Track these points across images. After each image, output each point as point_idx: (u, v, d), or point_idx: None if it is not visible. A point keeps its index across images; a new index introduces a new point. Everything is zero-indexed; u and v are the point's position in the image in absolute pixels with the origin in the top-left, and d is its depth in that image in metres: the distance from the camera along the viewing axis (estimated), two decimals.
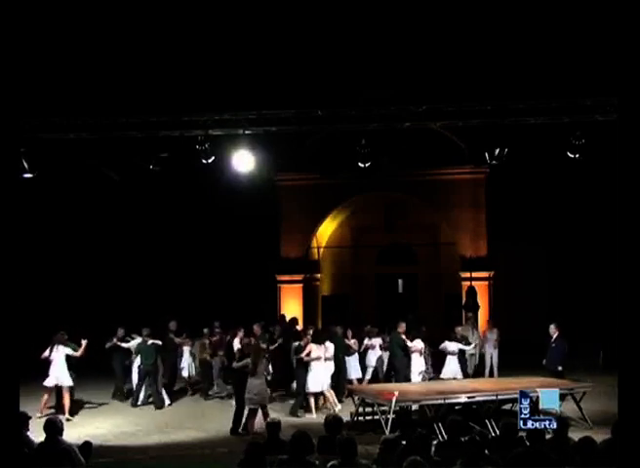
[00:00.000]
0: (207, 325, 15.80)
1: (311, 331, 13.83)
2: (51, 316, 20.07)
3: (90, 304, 20.57)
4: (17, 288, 5.67)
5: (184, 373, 15.64)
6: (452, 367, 13.87)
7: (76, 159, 14.03)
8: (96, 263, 21.30)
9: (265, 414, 11.40)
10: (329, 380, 13.22)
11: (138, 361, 14.25)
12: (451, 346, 13.94)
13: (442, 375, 13.92)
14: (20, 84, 6.29)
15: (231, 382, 13.10)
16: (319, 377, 12.98)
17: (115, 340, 14.60)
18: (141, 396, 14.19)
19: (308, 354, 13.07)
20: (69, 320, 20.17)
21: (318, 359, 13.02)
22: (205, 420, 12.96)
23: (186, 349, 15.53)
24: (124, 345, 14.56)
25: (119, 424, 12.62)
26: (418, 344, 13.90)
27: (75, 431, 11.13)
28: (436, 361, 14.40)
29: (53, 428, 7.11)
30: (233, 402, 12.36)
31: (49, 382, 12.85)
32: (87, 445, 7.45)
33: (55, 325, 14.05)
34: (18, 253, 5.80)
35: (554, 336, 13.71)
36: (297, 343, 13.98)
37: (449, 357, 13.94)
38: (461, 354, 14.21)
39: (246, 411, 11.66)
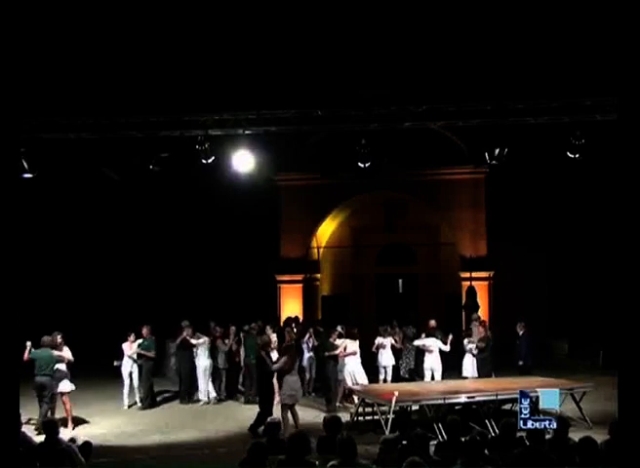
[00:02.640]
0: (207, 324, 15.82)
1: (336, 329, 14.26)
2: (50, 317, 20.10)
3: (90, 305, 20.58)
4: (17, 288, 5.67)
5: None
6: (427, 364, 14.30)
7: (76, 159, 14.03)
8: (96, 263, 21.29)
9: (294, 413, 11.39)
10: (364, 375, 13.74)
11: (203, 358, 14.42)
12: (427, 342, 14.28)
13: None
14: (20, 84, 6.28)
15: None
16: (356, 372, 13.53)
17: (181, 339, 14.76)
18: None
19: (345, 349, 13.58)
20: (68, 321, 20.23)
21: (354, 354, 13.61)
22: (205, 420, 12.97)
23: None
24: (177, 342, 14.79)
25: (119, 424, 12.62)
26: (426, 342, 14.34)
27: (75, 431, 11.15)
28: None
29: (53, 428, 7.12)
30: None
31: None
32: (87, 445, 7.47)
33: (53, 326, 13.95)
34: (18, 254, 5.79)
35: (520, 334, 14.37)
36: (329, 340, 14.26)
37: (426, 354, 14.37)
38: (441, 351, 14.41)
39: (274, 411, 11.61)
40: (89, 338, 18.50)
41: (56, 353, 11.96)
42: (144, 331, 14.27)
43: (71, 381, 12.27)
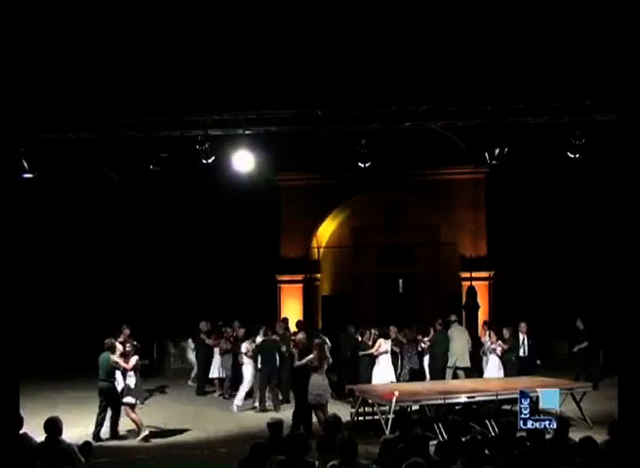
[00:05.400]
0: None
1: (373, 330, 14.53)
2: (50, 317, 20.11)
3: (89, 304, 20.58)
4: (17, 289, 5.67)
5: (215, 374, 15.50)
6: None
7: (76, 159, 14.03)
8: (95, 263, 21.29)
9: (325, 413, 11.02)
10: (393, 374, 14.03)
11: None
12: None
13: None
14: (20, 84, 6.28)
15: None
16: (386, 370, 13.78)
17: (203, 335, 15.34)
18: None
19: (378, 349, 13.86)
20: (68, 320, 20.24)
21: (386, 353, 13.84)
22: (205, 420, 12.97)
23: (216, 350, 15.46)
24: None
25: (119, 424, 12.58)
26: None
27: (75, 431, 11.13)
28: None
29: (53, 428, 7.11)
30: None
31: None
32: (87, 445, 7.45)
33: (53, 327, 13.95)
34: (18, 254, 5.79)
35: (525, 334, 14.49)
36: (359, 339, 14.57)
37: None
38: (394, 356, 14.45)
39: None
40: (88, 338, 18.50)
41: (112, 358, 11.60)
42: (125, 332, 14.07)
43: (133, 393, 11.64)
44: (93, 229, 20.91)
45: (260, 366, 13.83)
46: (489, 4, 15.70)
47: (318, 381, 11.25)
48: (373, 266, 23.06)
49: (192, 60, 16.68)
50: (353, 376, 14.45)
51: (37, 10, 13.05)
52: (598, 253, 18.22)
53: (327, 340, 15.26)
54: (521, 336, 14.55)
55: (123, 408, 11.66)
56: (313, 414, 11.31)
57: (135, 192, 18.69)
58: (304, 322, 17.74)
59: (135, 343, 12.06)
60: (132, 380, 11.62)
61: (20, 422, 7.08)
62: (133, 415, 11.62)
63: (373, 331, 14.44)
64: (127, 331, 14.00)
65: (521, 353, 14.46)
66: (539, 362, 14.68)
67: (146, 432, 11.49)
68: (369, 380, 13.78)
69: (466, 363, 14.84)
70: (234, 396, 14.54)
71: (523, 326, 14.60)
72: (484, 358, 14.97)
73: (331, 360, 12.37)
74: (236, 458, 6.53)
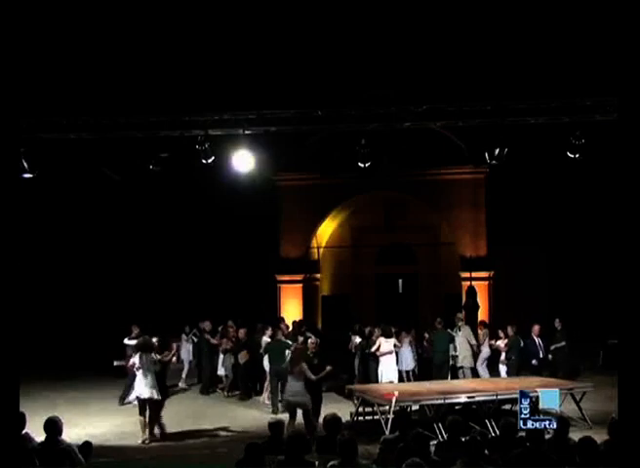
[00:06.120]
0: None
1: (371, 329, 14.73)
2: (50, 317, 20.11)
3: (89, 305, 20.59)
4: (16, 289, 5.66)
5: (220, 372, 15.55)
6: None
7: (76, 159, 14.03)
8: (96, 264, 21.30)
9: (309, 418, 10.81)
10: (397, 373, 14.11)
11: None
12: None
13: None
14: (19, 83, 6.28)
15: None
16: (390, 370, 13.75)
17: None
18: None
19: (378, 348, 13.84)
20: (68, 320, 20.23)
21: (390, 353, 13.79)
22: (205, 420, 12.96)
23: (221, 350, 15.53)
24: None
25: (119, 424, 12.61)
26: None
27: (75, 431, 11.13)
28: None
29: (53, 428, 7.10)
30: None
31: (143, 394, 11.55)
32: (87, 445, 7.44)
33: (52, 327, 13.91)
34: (18, 254, 5.79)
35: (511, 334, 14.49)
36: (359, 340, 14.73)
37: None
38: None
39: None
40: (88, 338, 18.52)
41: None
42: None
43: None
44: (93, 229, 20.93)
45: (268, 367, 13.85)
46: (488, 5, 15.71)
47: (289, 386, 11.01)
48: (373, 266, 23.08)
49: (192, 60, 16.69)
50: (362, 376, 14.63)
51: (37, 9, 13.05)
52: (598, 252, 18.23)
53: (313, 337, 15.28)
54: (536, 339, 14.57)
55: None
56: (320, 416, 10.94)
57: (135, 192, 18.69)
58: (301, 322, 17.80)
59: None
60: (136, 379, 11.64)
61: (22, 422, 7.09)
62: (139, 416, 11.60)
63: (376, 330, 14.50)
64: (136, 332, 14.18)
65: (541, 355, 14.52)
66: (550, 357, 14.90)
67: (146, 436, 11.43)
68: (377, 381, 13.84)
69: (472, 362, 14.95)
70: (235, 395, 14.57)
71: (536, 328, 14.61)
72: (480, 357, 15.06)
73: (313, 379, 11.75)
74: (236, 459, 6.53)
